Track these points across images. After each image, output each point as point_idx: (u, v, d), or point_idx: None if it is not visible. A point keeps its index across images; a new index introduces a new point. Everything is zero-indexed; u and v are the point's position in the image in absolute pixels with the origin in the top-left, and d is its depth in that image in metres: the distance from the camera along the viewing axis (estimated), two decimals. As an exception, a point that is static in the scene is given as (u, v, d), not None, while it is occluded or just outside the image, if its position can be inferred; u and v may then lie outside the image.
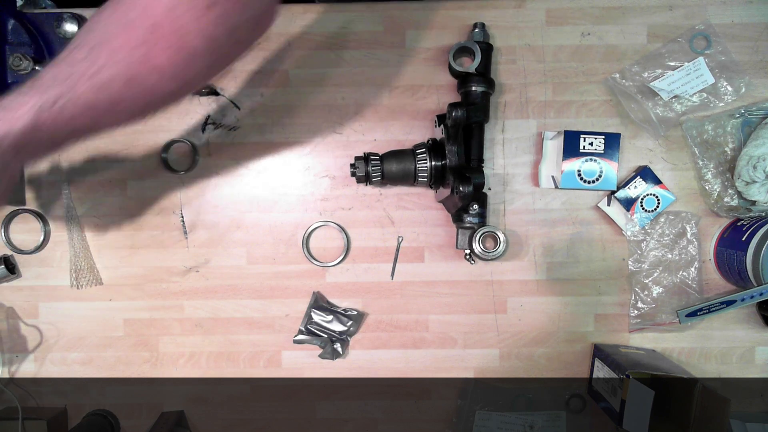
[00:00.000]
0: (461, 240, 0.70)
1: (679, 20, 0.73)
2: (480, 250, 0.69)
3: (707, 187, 0.72)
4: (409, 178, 0.69)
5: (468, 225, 0.70)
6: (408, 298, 0.76)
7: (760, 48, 0.72)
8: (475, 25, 0.71)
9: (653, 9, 0.73)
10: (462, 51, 0.70)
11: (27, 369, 0.78)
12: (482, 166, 0.70)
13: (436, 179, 0.68)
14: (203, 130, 0.75)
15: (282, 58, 0.74)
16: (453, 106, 0.65)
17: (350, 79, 0.74)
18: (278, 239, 0.76)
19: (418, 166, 0.68)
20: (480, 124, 0.70)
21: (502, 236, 0.69)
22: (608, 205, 0.74)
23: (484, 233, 0.69)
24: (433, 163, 0.67)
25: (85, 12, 0.73)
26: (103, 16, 0.42)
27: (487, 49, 0.70)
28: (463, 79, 0.70)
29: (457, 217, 0.70)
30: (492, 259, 0.70)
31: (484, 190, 0.74)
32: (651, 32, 0.73)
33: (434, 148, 0.68)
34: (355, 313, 0.75)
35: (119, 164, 0.75)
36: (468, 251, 0.71)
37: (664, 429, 0.66)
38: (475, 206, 0.68)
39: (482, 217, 0.69)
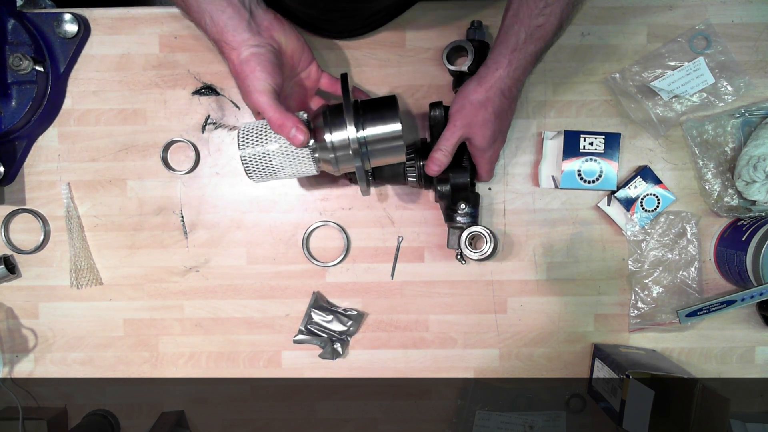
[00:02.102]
0: (452, 240, 0.69)
1: (679, 20, 0.73)
2: (468, 251, 0.68)
3: (707, 187, 0.72)
4: (399, 178, 0.69)
5: (458, 225, 0.69)
6: (408, 298, 0.76)
7: (760, 48, 0.72)
8: (472, 23, 0.71)
9: (653, 9, 0.73)
10: (457, 50, 0.70)
11: (27, 369, 0.78)
12: (465, 167, 0.68)
13: (426, 179, 0.68)
14: (203, 130, 0.75)
15: (282, 58, 0.74)
16: (433, 105, 0.65)
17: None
18: (278, 239, 0.76)
19: (406, 165, 0.67)
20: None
21: (488, 235, 0.67)
22: (608, 205, 0.74)
23: (471, 233, 0.68)
24: (421, 163, 0.67)
25: (85, 12, 0.74)
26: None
27: (482, 48, 0.69)
28: (457, 78, 0.70)
29: (448, 217, 0.69)
30: (481, 260, 0.69)
31: (485, 190, 0.74)
32: (651, 32, 0.73)
33: (423, 148, 0.68)
34: (355, 313, 0.75)
35: (119, 164, 0.75)
36: (458, 251, 0.70)
37: (664, 429, 0.66)
38: (463, 205, 0.67)
39: (472, 217, 0.68)
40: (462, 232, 0.68)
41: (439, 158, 0.63)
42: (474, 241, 0.69)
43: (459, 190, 0.66)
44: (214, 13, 0.55)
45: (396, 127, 0.59)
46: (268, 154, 0.61)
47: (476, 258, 0.68)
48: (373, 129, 0.59)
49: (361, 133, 0.59)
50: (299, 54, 0.62)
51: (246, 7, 0.56)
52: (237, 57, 0.56)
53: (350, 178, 0.69)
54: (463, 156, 0.68)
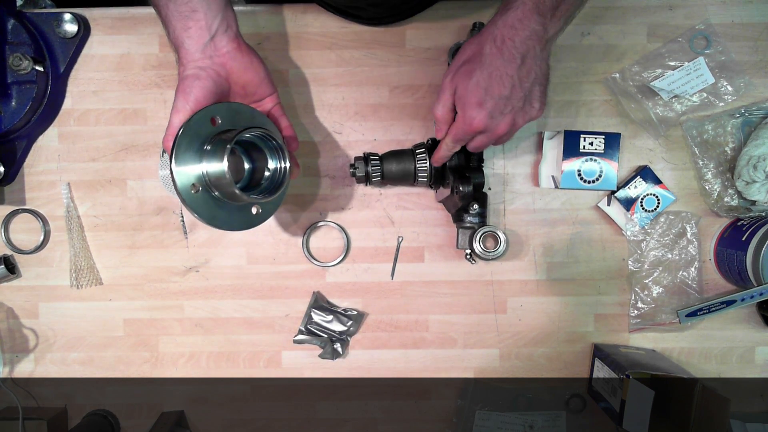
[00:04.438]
0: (462, 240, 0.70)
1: (679, 20, 0.73)
2: (480, 250, 0.69)
3: (707, 187, 0.72)
4: (408, 178, 0.69)
5: (468, 225, 0.69)
6: (408, 298, 0.76)
7: (760, 48, 0.72)
8: (474, 25, 0.71)
9: (653, 9, 0.73)
10: (462, 51, 0.70)
11: (27, 369, 0.78)
12: (482, 166, 0.70)
13: (436, 179, 0.68)
14: (203, 130, 0.75)
15: (282, 58, 0.74)
16: None
17: (350, 79, 0.74)
18: (278, 239, 0.76)
19: (417, 166, 0.68)
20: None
21: (502, 236, 0.69)
22: (608, 205, 0.74)
23: (484, 233, 0.69)
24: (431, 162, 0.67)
25: (85, 12, 0.74)
26: None
27: None
28: None
29: (458, 217, 0.70)
30: (492, 259, 0.70)
31: (484, 190, 0.74)
32: (651, 32, 0.73)
33: (434, 147, 0.68)
34: (355, 313, 0.75)
35: (119, 164, 0.75)
36: (468, 251, 0.70)
37: (664, 429, 0.66)
38: (475, 206, 0.68)
39: (482, 216, 0.69)
40: (474, 232, 0.69)
41: (435, 113, 0.60)
42: (486, 240, 0.69)
43: (476, 190, 0.66)
44: (177, 28, 0.57)
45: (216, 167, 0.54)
46: (167, 178, 0.64)
47: (489, 257, 0.69)
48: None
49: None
50: (254, 87, 0.62)
51: (210, 31, 0.57)
52: (182, 72, 0.58)
53: (357, 179, 0.69)
54: (476, 157, 0.69)
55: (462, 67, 0.57)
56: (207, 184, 0.55)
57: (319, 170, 0.75)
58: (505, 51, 0.54)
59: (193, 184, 0.54)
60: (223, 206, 0.57)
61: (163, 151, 0.62)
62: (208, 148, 0.55)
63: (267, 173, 0.61)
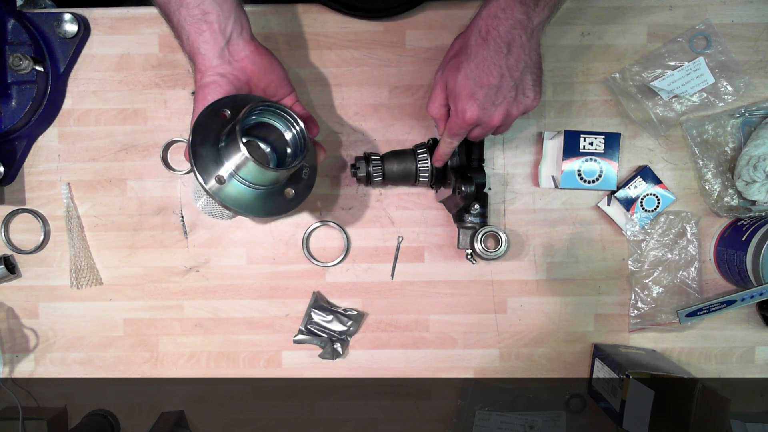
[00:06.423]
0: (463, 240, 0.70)
1: (679, 20, 0.73)
2: (482, 250, 0.69)
3: (707, 187, 0.72)
4: (410, 179, 0.69)
5: (469, 225, 0.69)
6: (408, 298, 0.76)
7: (760, 48, 0.72)
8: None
9: (653, 9, 0.73)
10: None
11: (27, 369, 0.78)
12: (483, 166, 0.70)
13: (437, 179, 0.68)
14: (203, 130, 0.75)
15: (282, 58, 0.74)
16: None
17: (350, 79, 0.74)
18: (278, 239, 0.76)
19: (419, 166, 0.68)
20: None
21: (504, 236, 0.68)
22: (608, 205, 0.74)
23: (485, 233, 0.69)
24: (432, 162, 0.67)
25: (85, 12, 0.74)
26: None
27: None
28: None
29: (459, 217, 0.70)
30: (494, 259, 0.70)
31: (484, 190, 0.74)
32: (651, 32, 0.73)
33: (435, 147, 0.68)
34: (355, 313, 0.75)
35: (119, 164, 0.75)
36: (470, 251, 0.70)
37: (664, 429, 0.66)
38: (477, 206, 0.68)
39: (484, 216, 0.69)
40: (475, 232, 0.69)
41: (429, 110, 0.62)
42: (487, 240, 0.69)
43: (478, 190, 0.67)
44: (191, 33, 0.56)
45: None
46: (209, 202, 0.72)
47: (491, 257, 0.69)
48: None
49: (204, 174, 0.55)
50: (275, 88, 0.62)
51: (224, 35, 0.56)
52: (200, 80, 0.57)
53: (359, 179, 0.69)
54: (477, 156, 0.69)
55: (450, 62, 0.58)
56: (234, 177, 0.55)
57: (319, 170, 0.75)
58: (490, 41, 0.54)
59: (218, 177, 0.54)
60: (260, 195, 0.57)
61: (195, 184, 0.66)
62: (223, 144, 0.55)
63: (289, 149, 0.61)
